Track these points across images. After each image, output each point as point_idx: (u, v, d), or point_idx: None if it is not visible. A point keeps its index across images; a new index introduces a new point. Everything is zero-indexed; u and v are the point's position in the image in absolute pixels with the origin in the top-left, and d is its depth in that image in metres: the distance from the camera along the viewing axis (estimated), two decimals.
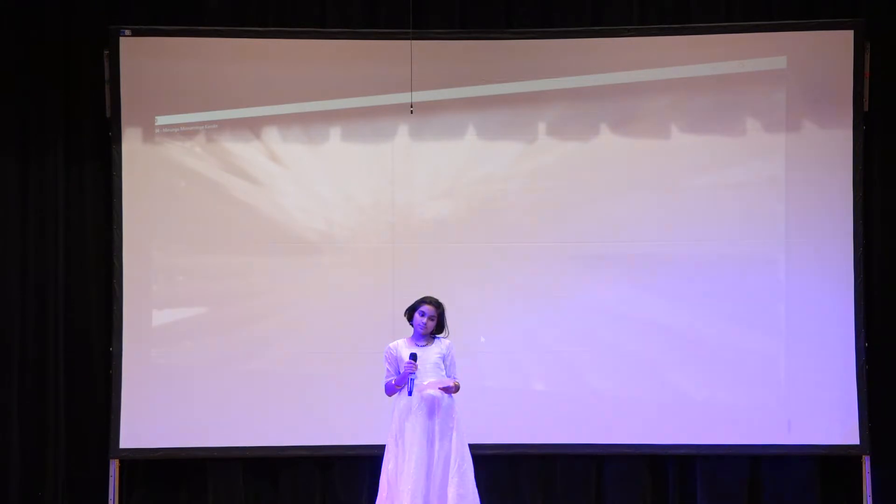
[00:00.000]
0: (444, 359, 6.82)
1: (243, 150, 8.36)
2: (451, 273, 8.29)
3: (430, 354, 6.78)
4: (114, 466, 8.25)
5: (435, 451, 6.64)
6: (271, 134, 8.37)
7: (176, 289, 8.33)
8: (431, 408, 6.70)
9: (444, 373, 6.79)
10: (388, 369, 6.86)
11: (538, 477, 8.44)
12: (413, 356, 6.70)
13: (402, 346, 6.82)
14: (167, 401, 8.26)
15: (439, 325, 6.86)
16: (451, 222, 8.37)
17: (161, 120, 8.34)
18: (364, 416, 8.23)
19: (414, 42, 7.89)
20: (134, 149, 8.31)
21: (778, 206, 8.29)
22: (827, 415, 8.22)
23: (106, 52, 8.27)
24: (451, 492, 6.58)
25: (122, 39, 8.23)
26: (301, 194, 8.36)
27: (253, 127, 8.36)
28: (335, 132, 8.39)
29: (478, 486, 6.81)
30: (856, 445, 8.18)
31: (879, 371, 8.29)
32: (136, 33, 8.27)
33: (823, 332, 8.25)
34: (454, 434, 6.69)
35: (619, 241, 8.32)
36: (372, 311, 8.31)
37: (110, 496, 8.24)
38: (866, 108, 8.26)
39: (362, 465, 8.39)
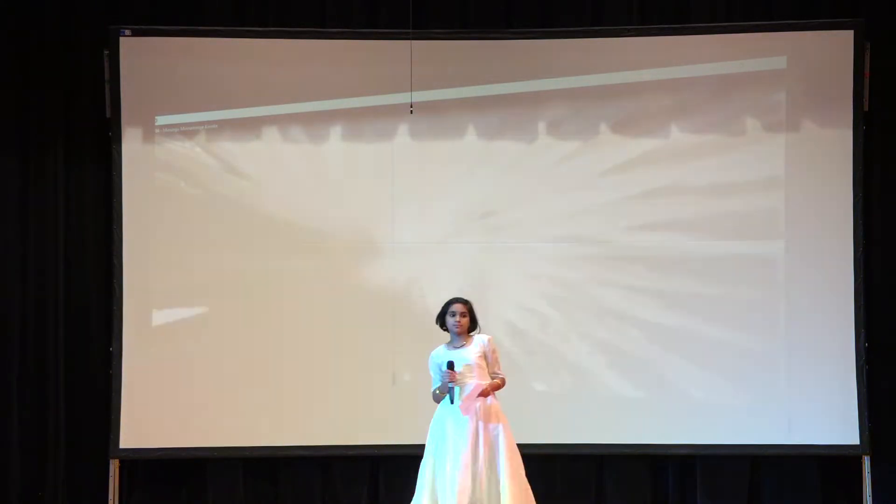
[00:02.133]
0: (485, 356, 6.64)
1: (243, 150, 8.36)
2: (451, 273, 8.29)
3: (470, 355, 6.61)
4: (114, 466, 8.25)
5: (480, 450, 6.49)
6: (271, 134, 8.38)
7: (176, 289, 8.33)
8: (475, 409, 6.55)
9: (485, 371, 6.60)
10: (432, 377, 6.68)
11: (538, 477, 8.41)
12: (450, 364, 6.53)
13: (443, 353, 6.64)
14: (167, 401, 8.26)
15: (472, 321, 6.70)
16: (451, 222, 8.37)
17: (161, 120, 8.34)
18: (364, 416, 8.24)
19: (414, 42, 7.88)
20: (134, 149, 8.31)
21: (778, 206, 8.29)
22: (827, 415, 8.22)
23: (106, 52, 8.27)
24: (504, 491, 6.46)
25: (122, 39, 8.24)
26: (301, 194, 8.36)
27: (253, 127, 8.36)
28: (335, 132, 8.39)
29: None
30: (856, 445, 8.18)
31: (879, 371, 8.29)
32: (136, 33, 8.27)
33: (823, 332, 8.24)
34: (499, 433, 6.55)
35: (619, 241, 8.32)
36: (371, 311, 8.32)
37: (110, 496, 8.24)
38: (866, 108, 8.26)
39: (362, 465, 8.40)
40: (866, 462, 8.19)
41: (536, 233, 8.35)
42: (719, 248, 8.31)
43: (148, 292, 8.31)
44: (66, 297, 8.43)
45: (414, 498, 6.61)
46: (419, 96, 8.05)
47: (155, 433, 8.26)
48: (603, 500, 8.45)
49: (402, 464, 8.35)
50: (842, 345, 8.22)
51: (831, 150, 8.28)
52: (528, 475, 8.33)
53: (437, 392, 6.63)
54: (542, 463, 8.40)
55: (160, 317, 8.32)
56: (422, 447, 8.06)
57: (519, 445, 8.17)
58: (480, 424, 6.53)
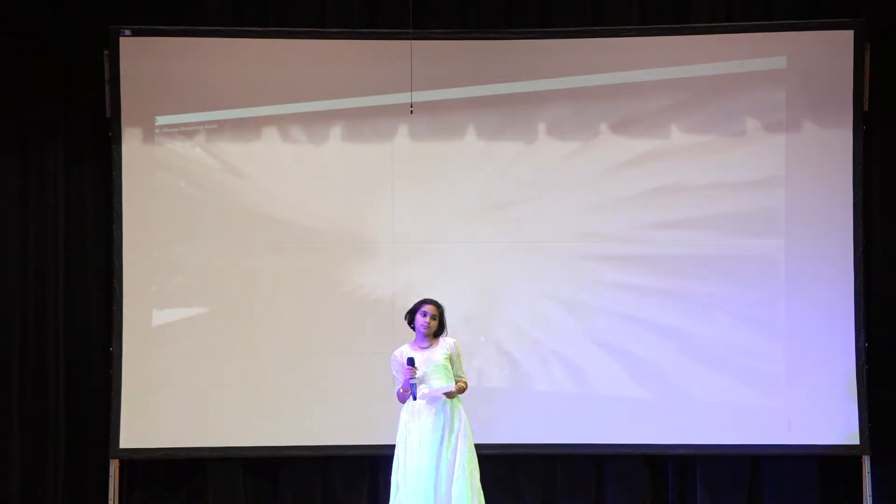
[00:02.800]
0: (451, 359, 6.73)
1: (243, 150, 8.36)
2: (451, 273, 8.29)
3: (436, 356, 6.68)
4: (114, 466, 8.25)
5: (442, 452, 6.58)
6: (271, 134, 8.38)
7: (176, 289, 8.33)
8: (437, 410, 6.63)
9: (450, 373, 6.69)
10: (395, 378, 6.76)
11: (538, 477, 8.43)
12: (410, 360, 6.61)
13: (407, 352, 6.72)
14: (167, 401, 8.26)
15: (440, 326, 6.78)
16: (450, 222, 8.37)
17: (161, 120, 8.34)
18: (364, 416, 8.24)
19: (414, 42, 7.89)
20: (134, 149, 8.31)
21: (778, 205, 8.29)
22: (827, 415, 8.22)
23: (106, 52, 8.27)
24: (455, 492, 6.54)
25: (122, 39, 8.24)
26: (301, 194, 8.36)
27: (253, 127, 8.36)
28: (335, 132, 8.39)
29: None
30: (856, 445, 8.18)
31: (879, 371, 8.29)
32: (136, 33, 8.28)
33: (823, 332, 8.25)
34: (460, 435, 6.62)
35: (619, 241, 8.32)
36: (371, 311, 8.32)
37: (110, 496, 8.25)
38: (866, 108, 8.26)
39: (362, 465, 8.40)
40: (866, 462, 8.19)
41: (536, 233, 8.35)
42: (719, 248, 8.31)
43: (148, 292, 8.31)
44: (66, 298, 8.42)
45: (390, 501, 6.70)
46: (419, 96, 8.05)
47: (155, 433, 8.26)
48: (603, 500, 8.45)
49: None
50: (842, 345, 8.23)
51: (831, 150, 8.28)
52: (526, 475, 8.41)
53: (401, 391, 6.69)
54: (542, 463, 8.42)
55: (160, 317, 8.32)
56: None
57: (519, 445, 8.25)
58: (445, 427, 6.59)
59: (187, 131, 8.36)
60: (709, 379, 8.27)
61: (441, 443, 6.59)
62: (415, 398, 6.61)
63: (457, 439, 6.61)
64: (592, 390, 8.30)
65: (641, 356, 8.29)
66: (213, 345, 8.31)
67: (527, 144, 8.38)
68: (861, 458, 8.20)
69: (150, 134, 8.34)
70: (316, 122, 8.37)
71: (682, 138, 8.35)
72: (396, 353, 6.77)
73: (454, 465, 6.58)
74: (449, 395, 6.62)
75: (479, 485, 6.66)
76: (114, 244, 8.28)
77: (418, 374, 6.60)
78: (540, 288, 8.34)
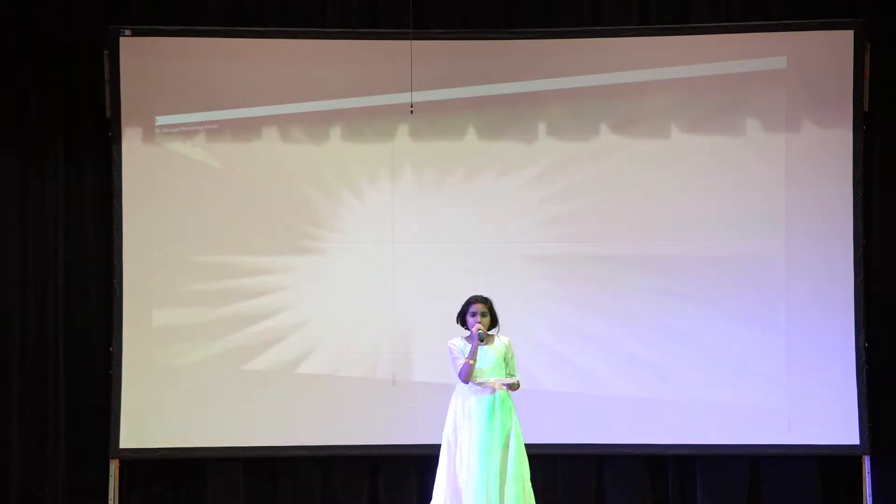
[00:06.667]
0: (504, 357, 6.74)
1: (243, 150, 8.36)
2: (451, 273, 8.29)
3: (490, 352, 6.71)
4: (114, 466, 8.25)
5: (494, 452, 6.56)
6: (271, 134, 8.38)
7: (176, 289, 8.33)
8: (491, 408, 6.63)
9: (503, 372, 6.71)
10: (454, 360, 6.69)
11: (538, 477, 8.41)
12: (479, 331, 6.64)
13: (461, 341, 6.75)
14: (167, 401, 8.26)
15: (493, 320, 6.76)
16: (450, 222, 8.37)
17: (161, 120, 8.34)
18: (364, 416, 8.23)
19: (414, 42, 7.90)
20: (134, 148, 8.31)
21: (778, 206, 8.29)
22: (827, 415, 8.22)
23: (106, 52, 8.27)
24: (508, 493, 6.53)
25: (122, 39, 8.24)
26: (300, 194, 8.36)
27: (253, 127, 8.36)
28: (335, 132, 8.39)
29: None
30: (856, 445, 8.18)
31: (879, 371, 8.29)
32: (136, 33, 8.28)
33: (823, 332, 8.25)
34: (512, 435, 6.62)
35: (619, 241, 8.32)
36: (372, 311, 8.32)
37: (110, 496, 8.24)
38: (866, 108, 8.26)
39: (362, 465, 8.40)
40: (866, 462, 8.20)
41: (536, 232, 8.35)
42: (719, 248, 8.30)
43: (148, 292, 8.31)
44: (66, 298, 8.42)
45: (433, 499, 6.68)
46: (419, 96, 8.06)
47: (155, 433, 8.26)
48: (603, 500, 8.45)
49: (402, 464, 8.37)
50: (842, 345, 8.22)
51: (831, 150, 8.28)
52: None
53: (468, 360, 6.62)
54: (542, 463, 8.41)
55: (160, 317, 8.32)
56: (421, 447, 8.09)
57: None
58: (498, 426, 6.58)
59: (187, 131, 8.36)
60: (709, 379, 8.27)
61: (494, 443, 6.58)
62: (481, 340, 6.60)
63: (508, 440, 6.61)
64: (592, 390, 8.29)
65: (641, 356, 8.29)
66: (213, 345, 8.30)
67: (527, 144, 8.38)
68: (861, 458, 8.20)
69: (150, 134, 8.34)
70: (316, 122, 8.37)
71: (682, 138, 8.35)
72: (453, 341, 6.73)
73: (507, 466, 6.58)
74: (511, 387, 6.67)
75: (530, 486, 6.68)
76: (114, 244, 8.28)
77: (476, 364, 6.62)
78: (540, 288, 8.34)
